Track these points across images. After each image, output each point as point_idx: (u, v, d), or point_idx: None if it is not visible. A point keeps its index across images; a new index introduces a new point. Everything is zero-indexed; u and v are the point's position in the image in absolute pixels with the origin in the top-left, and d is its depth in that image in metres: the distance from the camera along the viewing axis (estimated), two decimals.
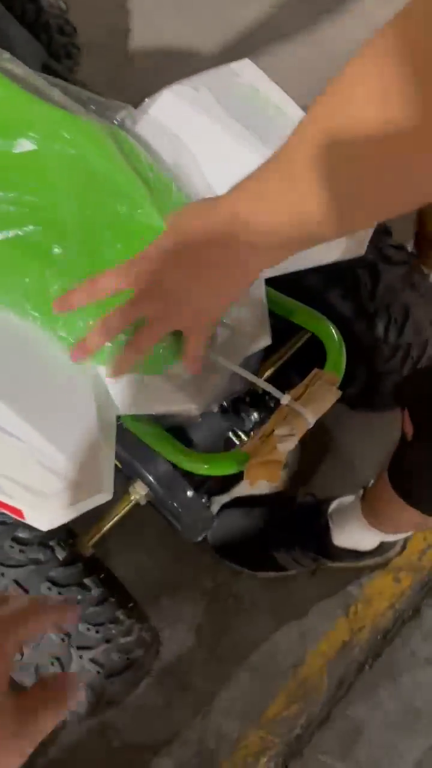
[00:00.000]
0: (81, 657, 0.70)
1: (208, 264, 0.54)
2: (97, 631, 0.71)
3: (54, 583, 0.70)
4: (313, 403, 0.63)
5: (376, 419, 1.19)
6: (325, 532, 1.06)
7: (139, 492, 0.84)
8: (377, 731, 1.12)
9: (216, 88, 0.73)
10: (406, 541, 1.18)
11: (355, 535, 1.05)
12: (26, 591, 0.67)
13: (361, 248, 0.72)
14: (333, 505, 1.08)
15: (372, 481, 1.00)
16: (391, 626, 1.17)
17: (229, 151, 0.69)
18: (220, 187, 0.65)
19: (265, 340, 0.68)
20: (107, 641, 0.71)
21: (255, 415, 0.80)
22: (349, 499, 1.07)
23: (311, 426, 0.64)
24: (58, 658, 0.69)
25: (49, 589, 0.69)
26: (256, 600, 1.15)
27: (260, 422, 0.86)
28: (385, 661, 1.16)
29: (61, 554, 0.71)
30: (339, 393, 0.64)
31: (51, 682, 0.40)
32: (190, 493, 0.82)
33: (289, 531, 1.10)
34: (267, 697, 1.11)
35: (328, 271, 0.71)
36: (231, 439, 0.81)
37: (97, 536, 0.76)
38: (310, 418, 0.62)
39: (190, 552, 1.14)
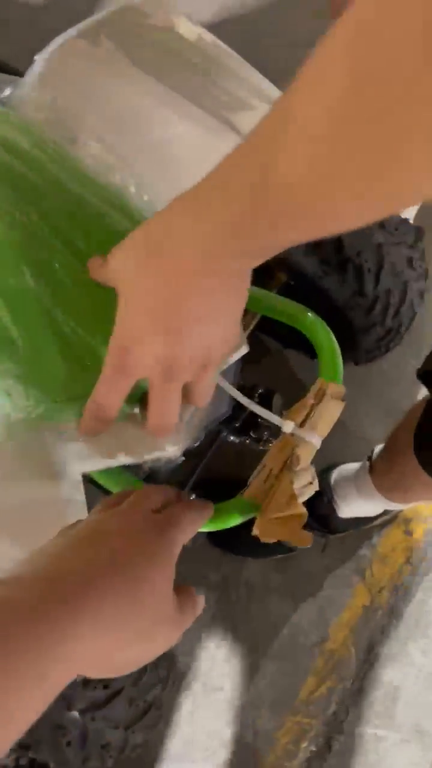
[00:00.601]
0: (93, 719, 0.62)
1: (189, 299, 0.43)
2: (105, 687, 0.63)
3: None
4: (320, 425, 0.53)
5: (360, 372, 1.10)
6: (329, 508, 0.99)
7: None
8: (414, 690, 1.08)
9: (120, 37, 0.60)
10: None
11: (363, 505, 0.98)
12: None
13: None
14: (334, 476, 1.00)
15: (377, 450, 0.92)
16: (410, 581, 1.12)
17: (147, 117, 0.57)
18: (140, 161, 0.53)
19: (242, 348, 0.58)
20: (116, 693, 0.63)
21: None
22: (350, 467, 0.99)
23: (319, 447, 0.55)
24: (63, 728, 0.61)
25: None
26: (268, 583, 1.09)
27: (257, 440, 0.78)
28: (410, 617, 1.11)
29: None
30: (343, 404, 0.55)
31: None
32: None
33: None
34: (296, 681, 1.06)
35: None
36: None
37: None
38: (318, 442, 0.53)
39: (188, 550, 1.06)
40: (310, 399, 0.54)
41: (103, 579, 0.36)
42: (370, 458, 0.93)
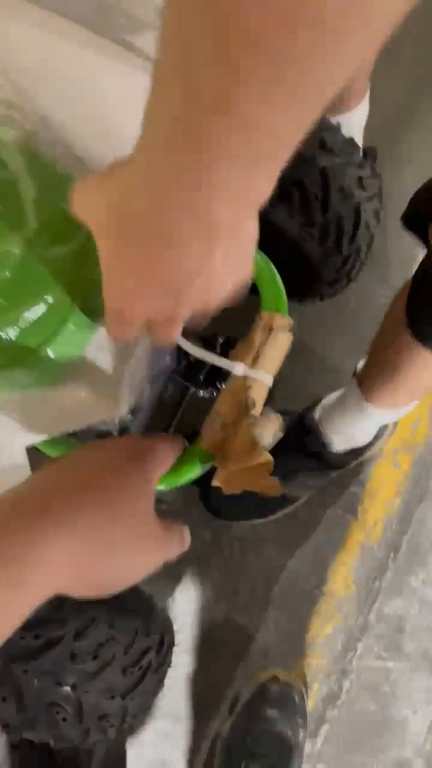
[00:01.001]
0: (86, 692, 0.61)
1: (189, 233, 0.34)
2: (94, 657, 0.61)
3: None
4: (269, 361, 0.50)
5: (327, 307, 1.07)
6: (321, 445, 0.96)
7: None
8: (419, 620, 1.08)
9: None
10: (395, 423, 1.10)
11: (354, 429, 0.95)
12: None
13: None
14: (318, 411, 0.97)
15: (360, 364, 0.89)
16: (403, 512, 1.11)
17: (46, 51, 0.52)
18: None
19: None
20: (107, 663, 0.62)
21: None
22: (333, 396, 0.96)
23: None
24: (57, 705, 0.60)
25: None
26: (260, 535, 1.08)
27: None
28: (408, 548, 1.10)
29: None
30: (291, 336, 0.52)
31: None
32: None
33: (283, 463, 1.00)
34: (301, 626, 1.05)
35: None
36: None
37: None
38: (270, 381, 0.50)
39: (175, 513, 1.05)
40: (256, 336, 0.51)
41: (76, 495, 0.38)
42: (355, 373, 0.89)
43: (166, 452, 0.45)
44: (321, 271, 0.81)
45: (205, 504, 1.05)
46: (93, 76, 0.49)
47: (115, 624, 0.64)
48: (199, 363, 0.77)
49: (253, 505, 1.04)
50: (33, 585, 0.35)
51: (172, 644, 0.73)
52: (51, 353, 0.45)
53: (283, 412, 1.03)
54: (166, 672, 0.72)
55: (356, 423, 0.93)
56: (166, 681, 0.98)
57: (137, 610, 0.70)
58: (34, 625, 0.60)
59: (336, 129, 0.74)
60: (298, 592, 1.07)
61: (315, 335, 1.13)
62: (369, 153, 0.77)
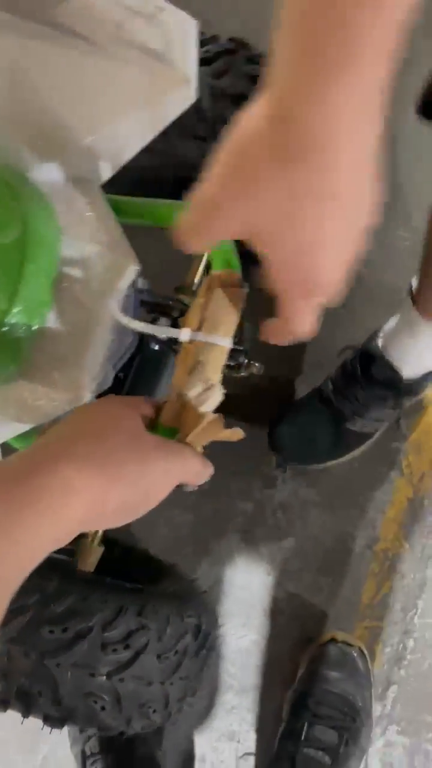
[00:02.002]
0: (122, 680, 0.60)
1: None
2: (126, 647, 0.61)
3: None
4: (222, 322, 0.48)
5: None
6: (390, 371, 0.92)
7: None
8: None
9: None
10: None
11: (420, 350, 0.90)
12: None
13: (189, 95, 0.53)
14: (380, 340, 0.94)
15: (414, 282, 0.85)
16: None
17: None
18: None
19: (131, 268, 0.52)
20: (140, 651, 0.61)
21: None
22: (391, 322, 0.93)
23: (231, 346, 0.49)
24: (93, 695, 0.60)
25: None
26: (304, 500, 1.05)
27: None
28: None
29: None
30: (246, 291, 0.49)
31: None
32: None
33: (352, 397, 0.97)
34: (356, 588, 1.03)
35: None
36: None
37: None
38: (226, 341, 0.48)
39: (217, 484, 1.03)
40: (199, 298, 0.48)
41: (72, 434, 0.42)
42: (411, 293, 0.85)
43: (147, 406, 0.48)
44: None
45: (276, 451, 1.03)
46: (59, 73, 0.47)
47: (144, 611, 0.63)
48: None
49: (327, 446, 1.02)
50: (63, 511, 0.38)
51: (213, 626, 0.72)
52: None
53: (346, 348, 1.01)
54: (210, 654, 0.71)
55: (419, 343, 0.89)
56: (231, 655, 0.99)
57: (170, 596, 0.69)
58: (62, 618, 0.60)
59: None
60: (349, 555, 1.04)
61: None
62: None
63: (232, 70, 0.72)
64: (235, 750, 0.99)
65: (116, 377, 0.66)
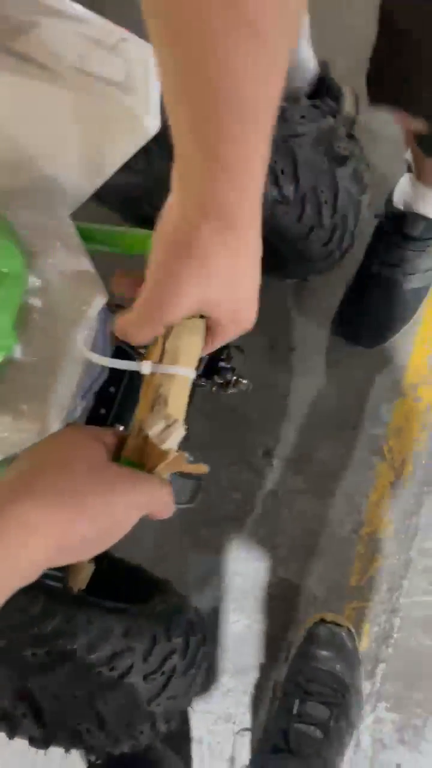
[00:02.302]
0: (105, 703, 0.63)
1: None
2: (111, 669, 0.63)
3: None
4: (183, 353, 0.48)
5: None
6: (423, 223, 0.96)
7: None
8: None
9: None
10: None
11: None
12: None
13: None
14: (398, 201, 0.98)
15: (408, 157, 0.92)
16: (430, 445, 1.08)
17: None
18: None
19: (99, 299, 0.52)
20: (125, 673, 0.64)
21: None
22: (402, 182, 0.98)
23: (195, 376, 0.50)
24: (76, 716, 0.63)
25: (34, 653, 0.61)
26: (291, 488, 1.07)
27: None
28: None
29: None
30: (204, 321, 0.49)
31: None
32: None
33: (399, 261, 1.00)
34: (344, 570, 1.06)
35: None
36: None
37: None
38: (189, 372, 0.48)
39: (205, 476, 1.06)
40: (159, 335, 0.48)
41: (32, 469, 0.42)
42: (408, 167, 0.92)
43: (110, 437, 0.48)
44: (306, 248, 0.77)
45: (353, 341, 1.07)
46: None
47: (129, 633, 0.65)
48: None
49: (395, 315, 1.05)
50: (21, 553, 0.38)
51: (201, 644, 0.74)
52: None
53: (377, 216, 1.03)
54: (198, 672, 0.73)
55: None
56: (225, 640, 1.02)
57: (158, 615, 0.71)
58: (45, 640, 0.62)
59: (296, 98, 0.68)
60: (336, 540, 1.06)
61: None
62: (334, 112, 0.70)
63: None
64: (232, 730, 1.04)
65: (103, 399, 0.67)
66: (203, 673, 0.75)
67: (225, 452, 1.06)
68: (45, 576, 0.84)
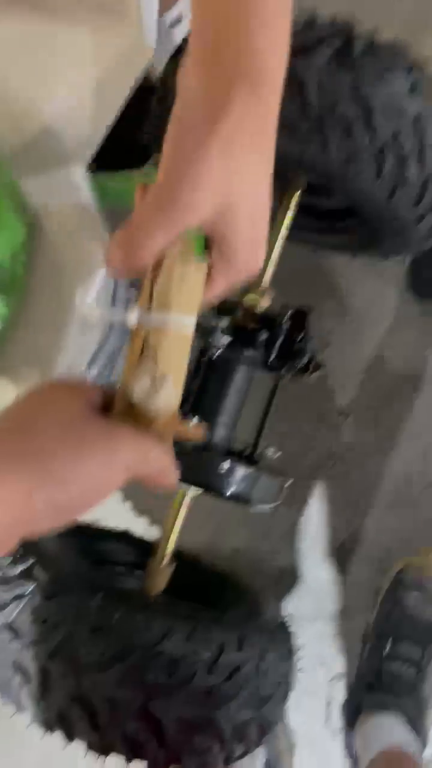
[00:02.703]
0: (166, 710, 0.57)
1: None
2: (169, 675, 0.57)
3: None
4: (177, 296, 0.41)
5: None
6: None
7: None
8: None
9: None
10: None
11: None
12: None
13: None
14: None
15: None
16: None
17: None
18: None
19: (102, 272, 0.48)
20: (182, 684, 0.57)
21: None
22: None
23: (193, 331, 0.43)
24: (132, 723, 0.57)
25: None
26: (367, 442, 1.05)
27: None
28: None
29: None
30: (204, 264, 0.42)
31: None
32: (225, 466, 0.65)
33: None
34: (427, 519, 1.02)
35: None
36: None
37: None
38: (185, 319, 0.41)
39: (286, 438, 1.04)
40: (147, 274, 0.41)
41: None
42: None
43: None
44: (393, 213, 0.68)
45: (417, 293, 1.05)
46: None
47: (193, 637, 0.59)
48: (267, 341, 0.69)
49: None
50: None
51: (285, 659, 0.67)
52: None
53: None
54: (277, 691, 0.66)
55: None
56: (315, 587, 1.04)
57: (228, 621, 0.65)
58: (99, 638, 0.58)
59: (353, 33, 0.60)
60: (415, 491, 1.03)
61: None
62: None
63: (340, 58, 0.62)
64: (326, 673, 1.02)
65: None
66: (283, 690, 0.67)
67: (300, 412, 1.06)
68: (118, 574, 0.81)
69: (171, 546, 0.72)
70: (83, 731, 0.58)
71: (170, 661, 0.58)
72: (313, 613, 1.04)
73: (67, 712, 0.58)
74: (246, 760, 0.85)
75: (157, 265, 0.41)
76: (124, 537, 0.85)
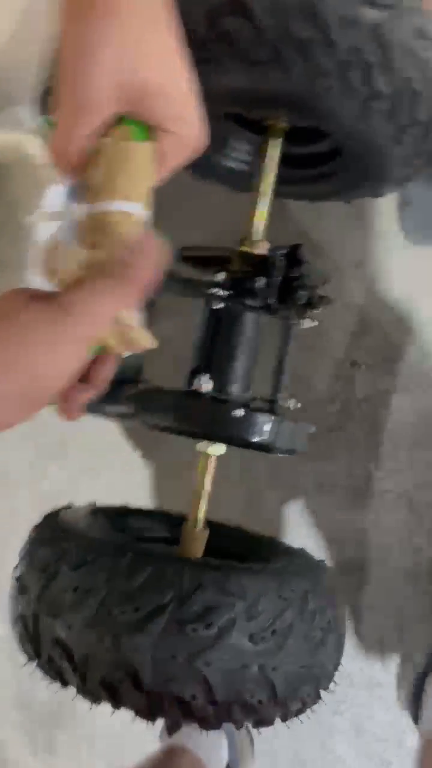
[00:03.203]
0: (207, 664, 0.55)
1: None
2: (207, 626, 0.55)
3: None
4: (112, 182, 0.39)
5: None
6: None
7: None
8: None
9: None
10: None
11: None
12: None
13: None
14: None
15: None
16: None
17: None
18: None
19: (56, 185, 0.46)
20: (222, 633, 0.55)
21: None
22: None
23: (145, 219, 0.41)
24: (177, 681, 0.55)
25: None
26: (383, 389, 1.03)
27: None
28: None
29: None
30: (145, 145, 0.40)
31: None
32: (240, 413, 0.64)
33: None
34: None
35: None
36: None
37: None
38: (132, 205, 0.39)
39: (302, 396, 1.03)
40: (88, 170, 0.39)
41: None
42: None
43: None
44: (368, 131, 0.66)
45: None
46: None
47: (227, 587, 0.57)
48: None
49: None
50: None
51: (326, 603, 0.65)
52: None
53: None
54: (327, 635, 0.63)
55: None
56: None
57: (267, 572, 0.63)
58: (132, 597, 0.56)
59: None
60: None
61: None
62: None
63: None
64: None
65: None
66: (336, 636, 0.64)
67: (314, 367, 1.06)
68: (149, 540, 0.79)
69: (203, 508, 0.71)
70: (129, 696, 0.57)
71: (206, 611, 0.56)
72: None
73: (110, 678, 0.57)
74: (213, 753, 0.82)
75: (94, 160, 0.39)
76: (158, 514, 0.84)
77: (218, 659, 0.56)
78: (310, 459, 1.01)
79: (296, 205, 1.03)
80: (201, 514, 0.71)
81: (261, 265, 0.68)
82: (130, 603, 0.56)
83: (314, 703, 0.63)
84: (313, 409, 1.04)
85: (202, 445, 0.71)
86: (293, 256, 0.67)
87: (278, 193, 0.77)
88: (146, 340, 0.40)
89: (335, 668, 0.66)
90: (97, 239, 0.39)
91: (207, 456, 0.71)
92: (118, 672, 0.56)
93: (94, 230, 0.39)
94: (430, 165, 0.74)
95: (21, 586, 0.63)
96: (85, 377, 0.41)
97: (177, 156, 0.42)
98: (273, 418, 0.66)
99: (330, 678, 0.65)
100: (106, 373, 0.41)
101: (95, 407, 0.68)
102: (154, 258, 0.38)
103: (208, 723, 0.57)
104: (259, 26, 0.57)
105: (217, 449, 0.70)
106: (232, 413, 0.64)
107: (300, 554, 0.75)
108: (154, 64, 0.38)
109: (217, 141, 0.80)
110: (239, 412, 0.64)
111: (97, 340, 0.39)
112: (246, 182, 0.81)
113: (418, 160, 0.72)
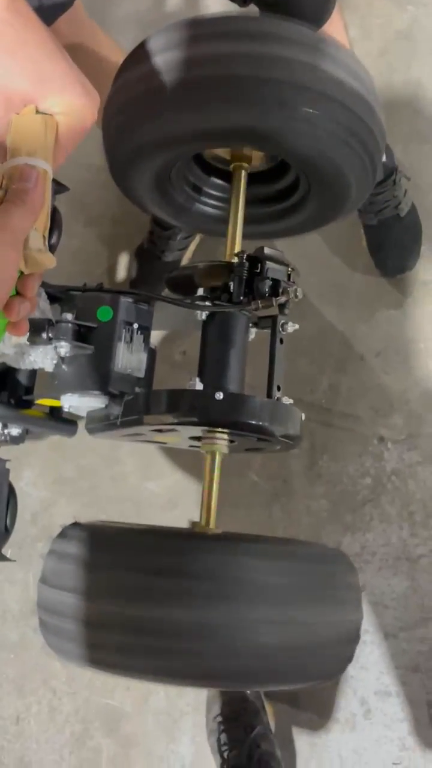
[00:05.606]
0: None
1: None
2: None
3: None
4: (18, 141, 0.52)
5: None
6: None
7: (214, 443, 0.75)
8: None
9: None
10: None
11: None
12: None
13: None
14: None
15: None
16: None
17: None
18: None
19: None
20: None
21: None
22: None
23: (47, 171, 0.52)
24: None
25: None
26: (410, 463, 1.16)
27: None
28: None
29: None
30: (46, 117, 0.52)
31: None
32: (220, 395, 0.70)
33: None
34: None
35: None
36: None
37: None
38: (38, 161, 0.51)
39: (336, 476, 1.14)
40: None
41: None
42: None
43: None
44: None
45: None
46: None
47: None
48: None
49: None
50: None
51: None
52: None
53: None
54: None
55: None
56: (386, 600, 1.11)
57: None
58: None
59: None
60: None
61: None
62: None
63: None
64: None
65: None
66: None
67: (345, 447, 1.20)
68: None
69: (214, 507, 0.75)
70: None
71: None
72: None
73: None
74: None
75: (10, 131, 0.52)
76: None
77: None
78: (349, 530, 1.15)
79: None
80: (212, 514, 0.75)
81: (227, 269, 0.75)
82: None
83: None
84: (348, 485, 1.18)
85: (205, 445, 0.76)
86: (254, 257, 0.75)
87: (253, 235, 0.85)
88: (49, 261, 0.51)
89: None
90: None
91: (212, 456, 0.76)
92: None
93: (10, 179, 0.51)
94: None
95: None
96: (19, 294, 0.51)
97: (71, 122, 0.53)
98: (258, 398, 0.71)
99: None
100: (33, 288, 0.51)
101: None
102: (42, 187, 0.51)
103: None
104: None
105: (223, 447, 0.75)
106: (214, 396, 0.69)
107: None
108: (26, 71, 0.50)
109: (195, 189, 0.91)
110: (219, 395, 0.69)
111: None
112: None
113: None
